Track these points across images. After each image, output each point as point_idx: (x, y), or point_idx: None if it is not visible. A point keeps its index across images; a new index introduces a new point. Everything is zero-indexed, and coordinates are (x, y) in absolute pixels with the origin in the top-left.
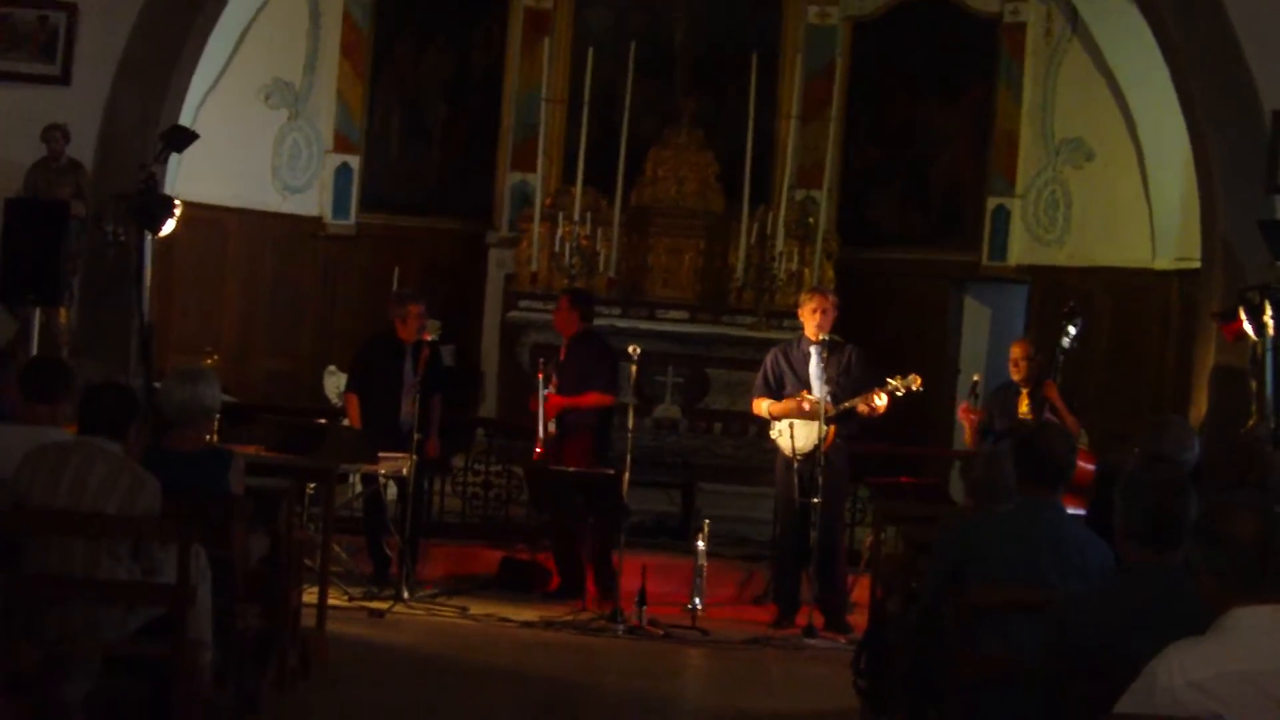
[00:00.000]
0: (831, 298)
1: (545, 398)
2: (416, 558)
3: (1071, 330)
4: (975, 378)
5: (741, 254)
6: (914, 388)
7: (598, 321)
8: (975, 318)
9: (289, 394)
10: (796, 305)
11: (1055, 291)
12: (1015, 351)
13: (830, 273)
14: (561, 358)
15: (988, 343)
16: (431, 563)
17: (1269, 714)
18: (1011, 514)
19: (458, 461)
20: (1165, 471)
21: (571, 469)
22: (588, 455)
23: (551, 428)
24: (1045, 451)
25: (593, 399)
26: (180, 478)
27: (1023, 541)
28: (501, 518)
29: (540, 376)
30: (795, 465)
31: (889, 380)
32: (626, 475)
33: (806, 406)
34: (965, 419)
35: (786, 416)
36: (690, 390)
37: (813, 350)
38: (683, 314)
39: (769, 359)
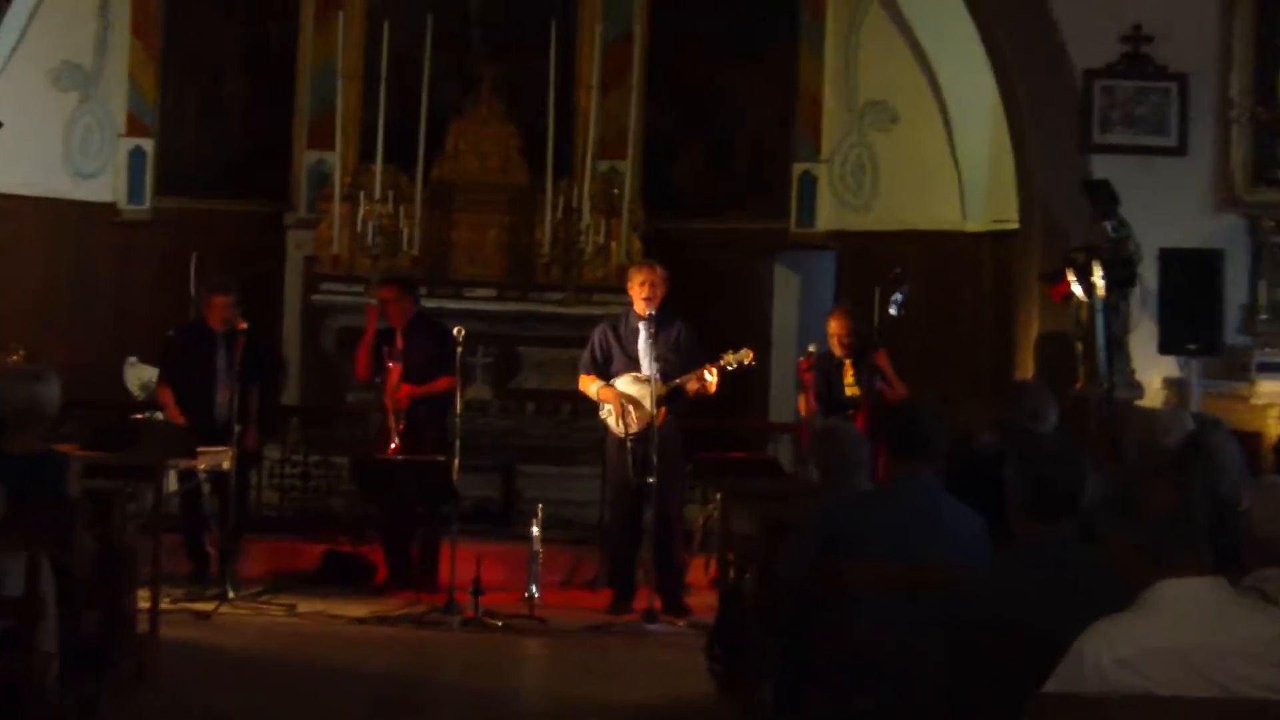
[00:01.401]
0: (660, 271)
1: (398, 387)
2: (239, 555)
3: (899, 296)
4: (812, 348)
5: (547, 229)
6: (746, 363)
7: None
8: (787, 287)
9: (89, 388)
10: (604, 280)
11: (864, 257)
12: (834, 324)
13: (637, 244)
14: (399, 345)
15: (798, 312)
16: (252, 559)
17: (1196, 688)
18: (881, 490)
19: (273, 453)
20: (1053, 441)
21: (400, 457)
22: (439, 444)
23: (399, 420)
24: (912, 423)
25: (444, 384)
26: (19, 483)
27: (896, 518)
28: (321, 510)
29: (391, 367)
30: (628, 445)
31: (721, 355)
32: (456, 461)
33: (633, 414)
34: (806, 378)
35: (610, 402)
36: (501, 370)
37: (641, 326)
38: (490, 292)
39: (596, 334)
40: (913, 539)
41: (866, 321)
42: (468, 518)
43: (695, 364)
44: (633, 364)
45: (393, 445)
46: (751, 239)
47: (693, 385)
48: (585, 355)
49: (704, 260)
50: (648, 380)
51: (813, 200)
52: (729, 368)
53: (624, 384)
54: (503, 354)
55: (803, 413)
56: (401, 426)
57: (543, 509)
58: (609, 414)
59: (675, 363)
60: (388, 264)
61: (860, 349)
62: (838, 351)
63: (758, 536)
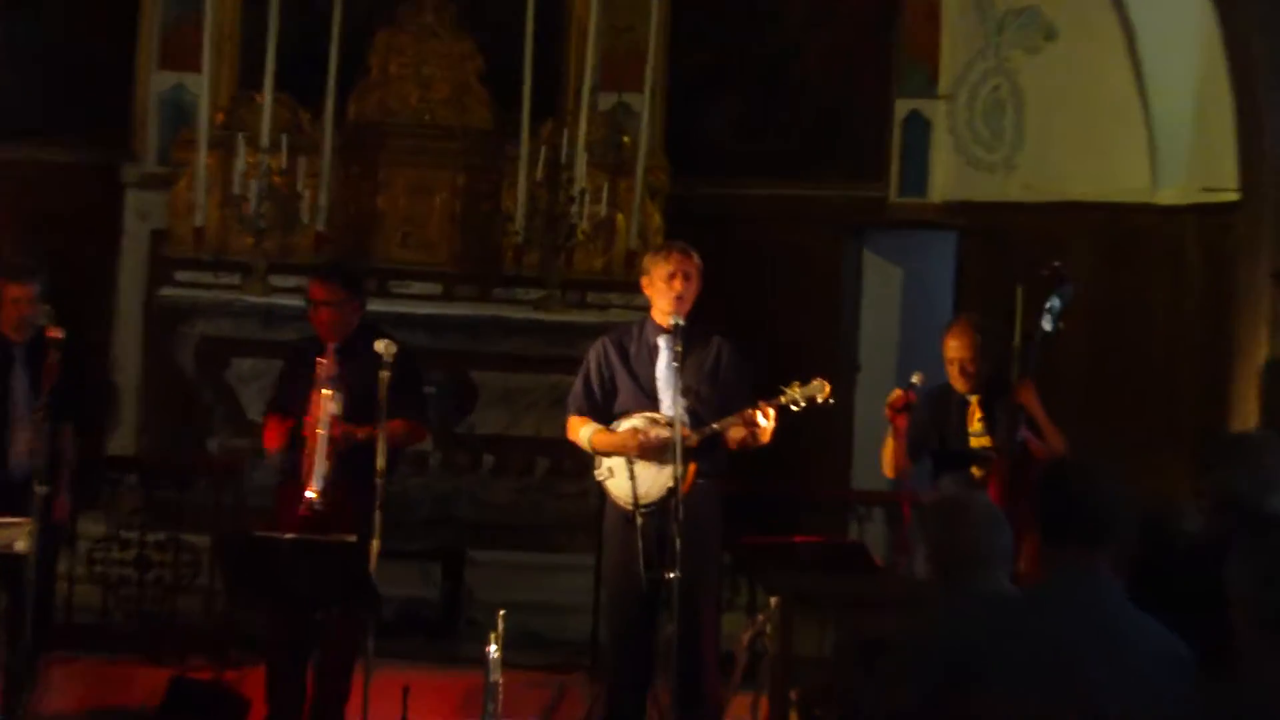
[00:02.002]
0: (694, 260)
1: (330, 423)
2: (37, 682)
3: (1055, 303)
4: (916, 377)
5: (522, 194)
6: (819, 400)
7: (289, 300)
8: (882, 286)
9: None
10: (606, 272)
11: (1002, 242)
12: (954, 343)
13: (657, 219)
14: (331, 370)
15: (898, 324)
16: (59, 689)
17: None
18: (1029, 596)
19: (93, 527)
20: None
21: (289, 535)
22: (358, 519)
23: (317, 482)
24: (1077, 493)
25: (403, 430)
26: None
27: (1051, 637)
28: (167, 616)
29: (321, 396)
30: (638, 521)
31: (782, 390)
32: (376, 542)
33: (652, 436)
34: (898, 421)
35: (619, 452)
36: (446, 405)
37: (662, 343)
38: (433, 287)
39: (594, 355)
40: (1077, 669)
41: (1003, 339)
42: (391, 630)
43: (741, 402)
44: (647, 400)
45: (302, 510)
46: (828, 213)
47: (737, 433)
48: (576, 386)
49: (756, 244)
50: (670, 425)
51: (923, 156)
52: (793, 407)
53: (634, 430)
54: (449, 381)
55: (888, 471)
56: (316, 497)
57: (504, 618)
58: (610, 474)
59: (712, 399)
60: (278, 244)
61: (993, 380)
62: (959, 384)
63: (835, 664)
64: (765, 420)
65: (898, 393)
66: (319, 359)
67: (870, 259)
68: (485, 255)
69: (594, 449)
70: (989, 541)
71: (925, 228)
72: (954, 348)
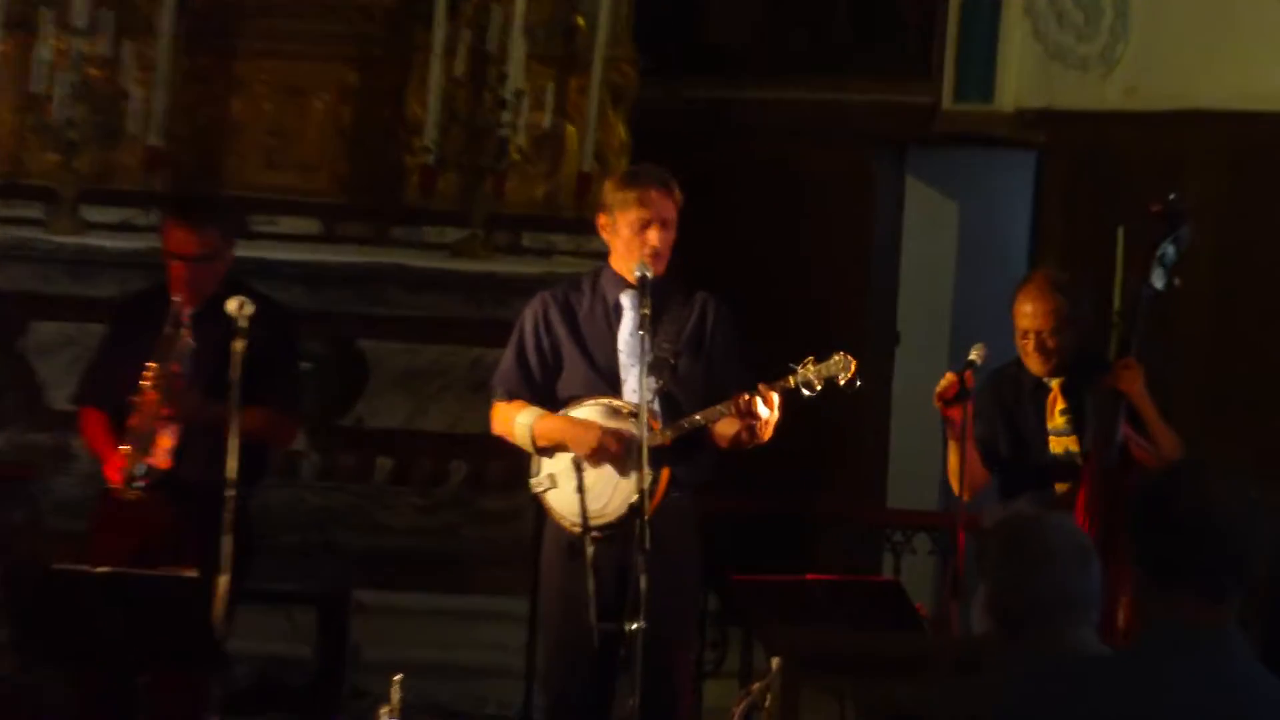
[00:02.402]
0: (676, 196)
1: (151, 419)
2: None
3: (1168, 250)
4: (975, 353)
5: (434, 97)
6: (841, 382)
7: (110, 241)
8: (928, 223)
9: None
10: (549, 206)
11: (1099, 164)
12: (1029, 310)
13: (622, 133)
14: (183, 336)
15: (954, 275)
16: None
17: None
18: (1131, 657)
19: None
20: None
21: (103, 569)
22: (203, 548)
23: (138, 478)
24: (1195, 517)
25: (263, 424)
26: None
27: (1159, 712)
28: None
29: (150, 376)
30: (589, 550)
31: (792, 368)
32: (225, 578)
33: (613, 431)
34: (952, 414)
35: (564, 447)
36: (327, 388)
37: (625, 302)
38: (309, 224)
39: (529, 319)
40: None
41: (1097, 302)
42: (245, 700)
43: (735, 384)
44: (604, 381)
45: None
46: (857, 126)
47: (728, 427)
48: (506, 360)
49: (757, 169)
50: (635, 415)
51: (989, 47)
52: (805, 392)
53: (587, 420)
54: (331, 355)
55: (960, 488)
56: (136, 494)
57: (402, 684)
58: (551, 484)
59: (694, 380)
60: (95, 163)
61: (1083, 359)
62: (1035, 364)
63: None
64: (767, 410)
65: (950, 378)
66: (169, 328)
67: (915, 189)
68: (383, 181)
69: (534, 444)
70: (1072, 582)
71: (991, 146)
72: (1029, 314)
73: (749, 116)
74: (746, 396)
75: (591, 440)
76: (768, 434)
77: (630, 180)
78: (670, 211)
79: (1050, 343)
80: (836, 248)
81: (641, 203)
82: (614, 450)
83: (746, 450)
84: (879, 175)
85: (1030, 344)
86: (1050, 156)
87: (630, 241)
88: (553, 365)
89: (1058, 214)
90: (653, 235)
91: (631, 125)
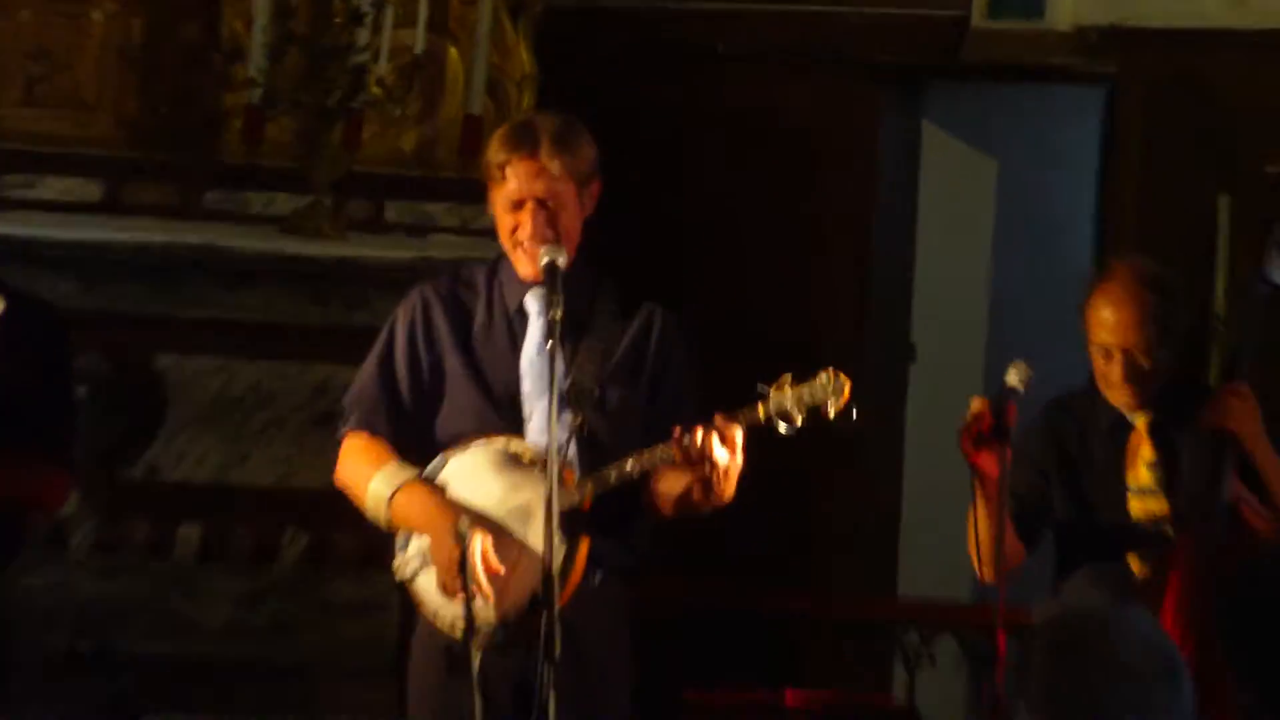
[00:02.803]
0: (563, 154)
1: None
2: None
3: None
4: (1015, 374)
5: (259, 4)
6: (831, 411)
7: None
8: (954, 187)
9: None
10: (437, 164)
11: (1193, 104)
12: (1110, 317)
13: (525, 58)
14: None
15: (989, 260)
16: None
17: None
18: None
19: None
20: None
21: None
22: None
23: None
24: None
25: (19, 478)
26: None
27: None
28: None
29: None
30: (475, 661)
31: (761, 392)
32: None
33: (498, 565)
34: (983, 463)
35: (418, 523)
36: (107, 424)
37: (533, 304)
38: (86, 188)
39: (401, 323)
40: None
41: (1193, 304)
42: None
43: (681, 416)
44: (499, 414)
45: None
46: (857, 47)
47: (672, 481)
48: (364, 374)
49: (717, 113)
50: (542, 464)
51: None
52: (781, 427)
53: (475, 475)
54: (115, 375)
55: (981, 567)
56: None
57: None
58: (422, 563)
59: (628, 414)
60: None
61: (1177, 385)
62: (1121, 395)
63: None
64: (725, 452)
65: (980, 405)
66: None
67: (936, 140)
68: (188, 126)
69: (390, 516)
70: (1154, 706)
71: (1041, 79)
72: (1114, 325)
73: (703, 35)
74: (697, 431)
75: (446, 552)
76: (728, 489)
77: (503, 139)
78: (554, 185)
79: (1145, 364)
80: (825, 224)
81: (505, 172)
82: (487, 568)
83: (699, 515)
84: (885, 121)
85: (1117, 367)
86: (1123, 94)
87: (504, 226)
88: (430, 390)
89: (1133, 175)
90: (525, 219)
91: (540, 46)
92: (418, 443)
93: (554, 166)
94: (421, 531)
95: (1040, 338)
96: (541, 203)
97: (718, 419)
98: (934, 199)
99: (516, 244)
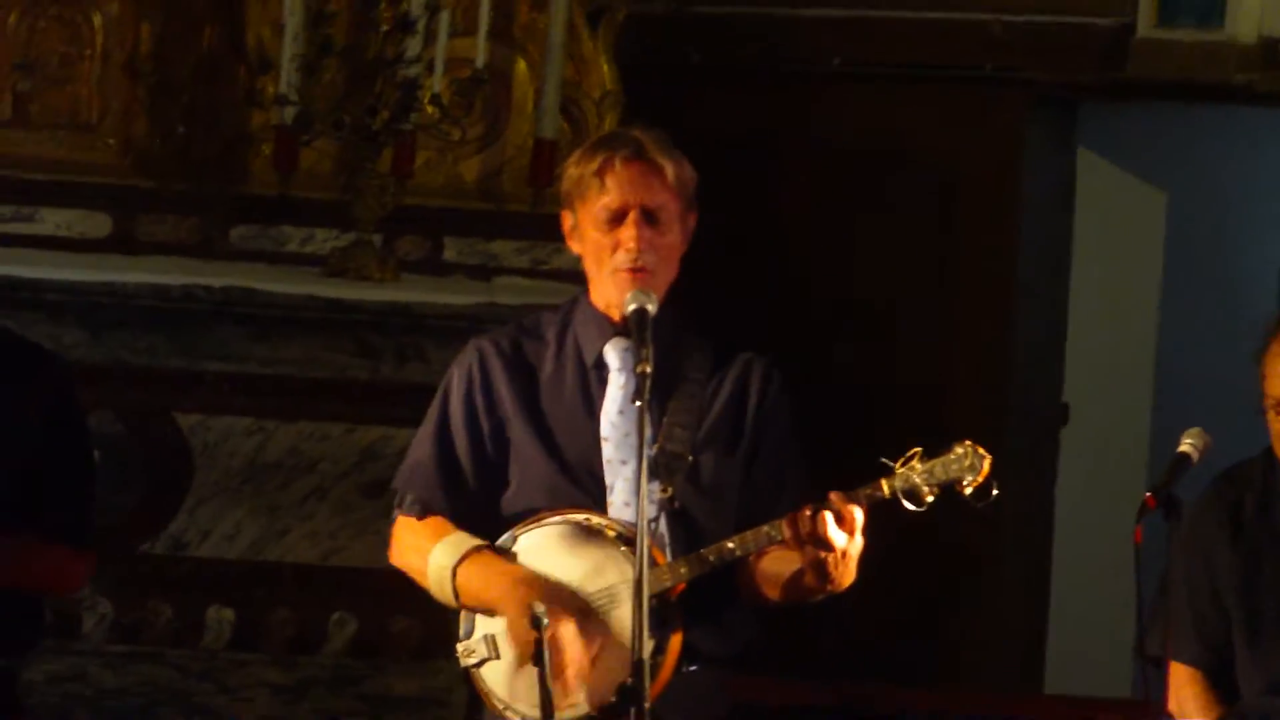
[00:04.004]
0: (678, 171)
1: None
2: None
3: None
4: (1190, 441)
5: (291, 10)
6: (969, 486)
7: None
8: (1116, 218)
9: None
10: (502, 196)
11: None
12: None
13: (607, 74)
14: None
15: (1159, 306)
16: None
17: None
18: None
19: None
20: None
21: None
22: None
23: None
24: None
25: (35, 561)
26: None
27: None
28: None
29: None
30: None
31: (887, 467)
32: None
33: (579, 611)
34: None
35: (490, 596)
36: (125, 493)
37: (615, 359)
38: (90, 220)
39: (456, 384)
40: None
41: None
42: None
43: (793, 494)
44: (578, 484)
45: None
46: (999, 59)
47: (781, 564)
48: (418, 449)
49: (829, 132)
50: (625, 542)
51: None
52: (909, 505)
53: (551, 554)
54: (133, 438)
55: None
56: None
57: None
58: (490, 653)
59: (726, 486)
60: None
61: None
62: None
63: None
64: (842, 535)
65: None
66: None
67: (1093, 168)
68: (209, 152)
69: (457, 599)
70: None
71: (1221, 98)
72: None
73: (817, 47)
74: (809, 511)
75: (523, 632)
76: (847, 575)
77: (591, 149)
78: (661, 194)
79: None
80: (961, 268)
81: (604, 179)
82: (569, 655)
83: (813, 602)
84: (1033, 147)
85: None
86: None
87: (599, 249)
88: (495, 463)
89: None
90: (627, 234)
91: (623, 60)
92: (483, 525)
93: (668, 170)
94: (493, 605)
95: (1218, 400)
96: (649, 214)
97: (833, 498)
98: (1092, 237)
99: (616, 269)
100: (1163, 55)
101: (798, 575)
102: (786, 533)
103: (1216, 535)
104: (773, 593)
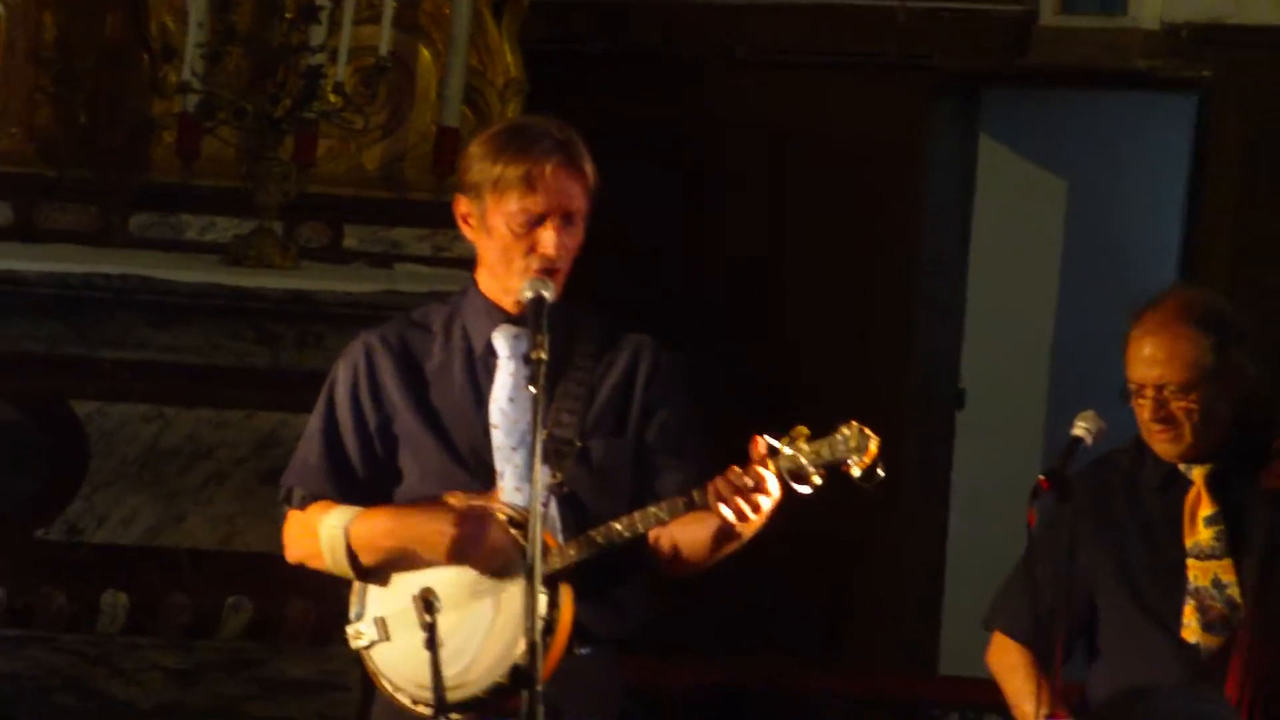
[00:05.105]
0: (587, 165)
1: None
2: None
3: None
4: (1083, 424)
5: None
6: (856, 467)
7: None
8: (1016, 206)
9: None
10: (405, 184)
11: None
12: (1149, 349)
13: (511, 61)
14: None
15: (1058, 295)
16: None
17: None
18: None
19: None
20: None
21: None
22: None
23: None
24: None
25: None
26: None
27: None
28: None
29: None
30: None
31: (774, 445)
32: None
33: (491, 541)
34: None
35: (404, 560)
36: (20, 479)
37: (503, 346)
38: None
39: (341, 377)
40: None
41: (1239, 338)
42: None
43: (686, 477)
44: (468, 471)
45: None
46: (902, 45)
47: (699, 528)
48: (306, 444)
49: (736, 119)
50: (516, 526)
51: None
52: (796, 486)
53: (434, 508)
54: (28, 424)
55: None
56: None
57: None
58: (381, 636)
59: (617, 470)
60: None
61: (1246, 440)
62: (1160, 443)
63: None
64: (742, 502)
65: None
66: None
67: (995, 155)
68: (111, 141)
69: (352, 560)
70: None
71: (1123, 85)
72: (1147, 359)
73: (721, 35)
74: (721, 482)
75: (448, 530)
76: (752, 528)
77: (509, 143)
78: (580, 199)
79: (1177, 406)
80: (863, 253)
81: (529, 183)
82: (491, 542)
83: (703, 567)
84: (936, 131)
85: (1147, 407)
86: (1219, 102)
87: (509, 247)
88: (384, 453)
89: (1229, 197)
90: (547, 238)
91: (527, 49)
92: (359, 495)
93: (588, 174)
94: (395, 543)
95: (1113, 384)
96: (568, 217)
97: (735, 471)
98: (992, 223)
99: (528, 269)
100: (1065, 42)
101: (713, 535)
102: (710, 501)
103: (1082, 522)
104: (672, 564)
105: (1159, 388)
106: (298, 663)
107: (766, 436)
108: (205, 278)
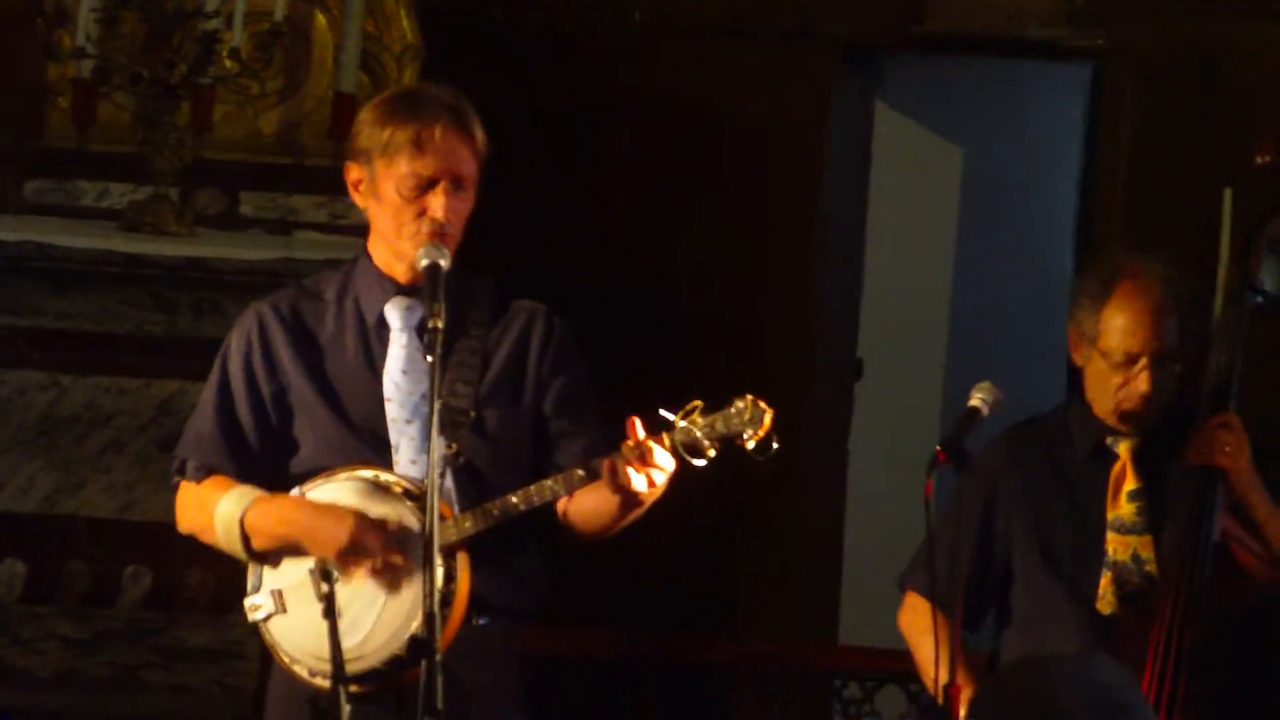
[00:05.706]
0: (477, 131)
1: None
2: None
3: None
4: (979, 395)
5: None
6: (751, 440)
7: None
8: (912, 173)
9: None
10: (301, 149)
11: (1199, 86)
12: (1130, 320)
13: (408, 28)
14: None
15: (953, 262)
16: None
17: None
18: None
19: None
20: None
21: None
22: None
23: None
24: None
25: None
26: None
27: None
28: None
29: None
30: (343, 708)
31: (667, 419)
32: None
33: (376, 522)
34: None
35: (299, 548)
36: None
37: (396, 317)
38: None
39: (234, 348)
40: None
41: (1190, 310)
42: None
43: (579, 446)
44: (364, 442)
45: None
46: (799, 16)
47: (601, 499)
48: (199, 415)
49: (631, 90)
50: (410, 497)
51: None
52: (690, 459)
53: (332, 505)
54: None
55: (920, 669)
56: None
57: None
58: (277, 608)
59: (513, 439)
60: None
61: (1168, 409)
62: (1138, 410)
63: None
64: (641, 479)
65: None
66: None
67: (891, 123)
68: (5, 105)
69: (246, 546)
70: None
71: (1018, 54)
72: (1131, 330)
73: (618, 4)
74: (619, 458)
75: (341, 536)
76: (645, 501)
77: (398, 107)
78: (470, 163)
79: (1159, 376)
80: (760, 223)
81: (418, 145)
82: (381, 551)
83: (603, 533)
84: (832, 103)
85: (1141, 380)
86: (1113, 71)
87: (400, 212)
88: (278, 423)
89: (1123, 166)
90: (436, 202)
91: (424, 14)
92: (271, 488)
93: (477, 138)
94: (288, 534)
95: (1010, 354)
96: (458, 181)
97: (633, 442)
98: (888, 192)
99: (419, 233)
100: (959, 11)
101: (612, 505)
102: (605, 476)
103: (1001, 486)
104: (578, 525)
105: (1159, 359)
106: (197, 631)
107: (662, 410)
108: (101, 244)
